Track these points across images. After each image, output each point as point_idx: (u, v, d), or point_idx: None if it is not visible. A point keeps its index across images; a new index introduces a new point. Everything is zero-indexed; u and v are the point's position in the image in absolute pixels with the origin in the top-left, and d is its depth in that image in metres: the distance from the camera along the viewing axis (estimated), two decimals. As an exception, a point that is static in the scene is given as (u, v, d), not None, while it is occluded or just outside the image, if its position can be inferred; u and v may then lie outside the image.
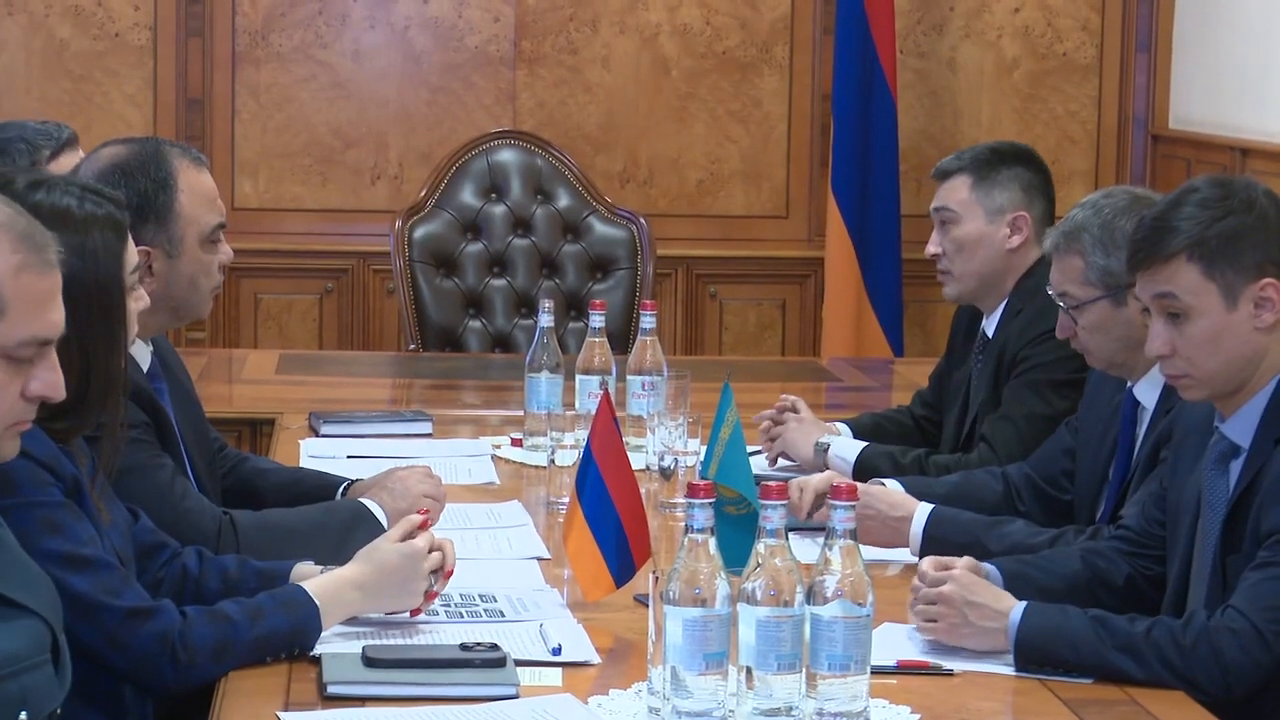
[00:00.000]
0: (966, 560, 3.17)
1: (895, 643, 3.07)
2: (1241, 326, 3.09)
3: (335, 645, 2.96)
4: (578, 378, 4.42)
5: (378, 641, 2.97)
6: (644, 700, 2.74)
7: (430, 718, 2.67)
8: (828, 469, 4.19)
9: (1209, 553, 3.13)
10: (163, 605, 2.89)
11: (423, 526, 3.17)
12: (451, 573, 3.16)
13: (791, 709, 2.64)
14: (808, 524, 3.65)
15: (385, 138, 7.29)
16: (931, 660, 3.01)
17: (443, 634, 3.06)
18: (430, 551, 3.11)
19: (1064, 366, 4.14)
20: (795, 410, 4.34)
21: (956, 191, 4.35)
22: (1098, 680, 2.94)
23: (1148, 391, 3.61)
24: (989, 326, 4.37)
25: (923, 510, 3.63)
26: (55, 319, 2.39)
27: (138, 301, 3.01)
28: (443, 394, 5.33)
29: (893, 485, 3.84)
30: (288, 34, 7.23)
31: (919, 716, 2.77)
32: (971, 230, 4.33)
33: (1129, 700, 2.89)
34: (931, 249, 4.40)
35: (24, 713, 2.26)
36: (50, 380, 2.38)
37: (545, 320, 4.48)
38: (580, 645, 3.02)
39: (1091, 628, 2.97)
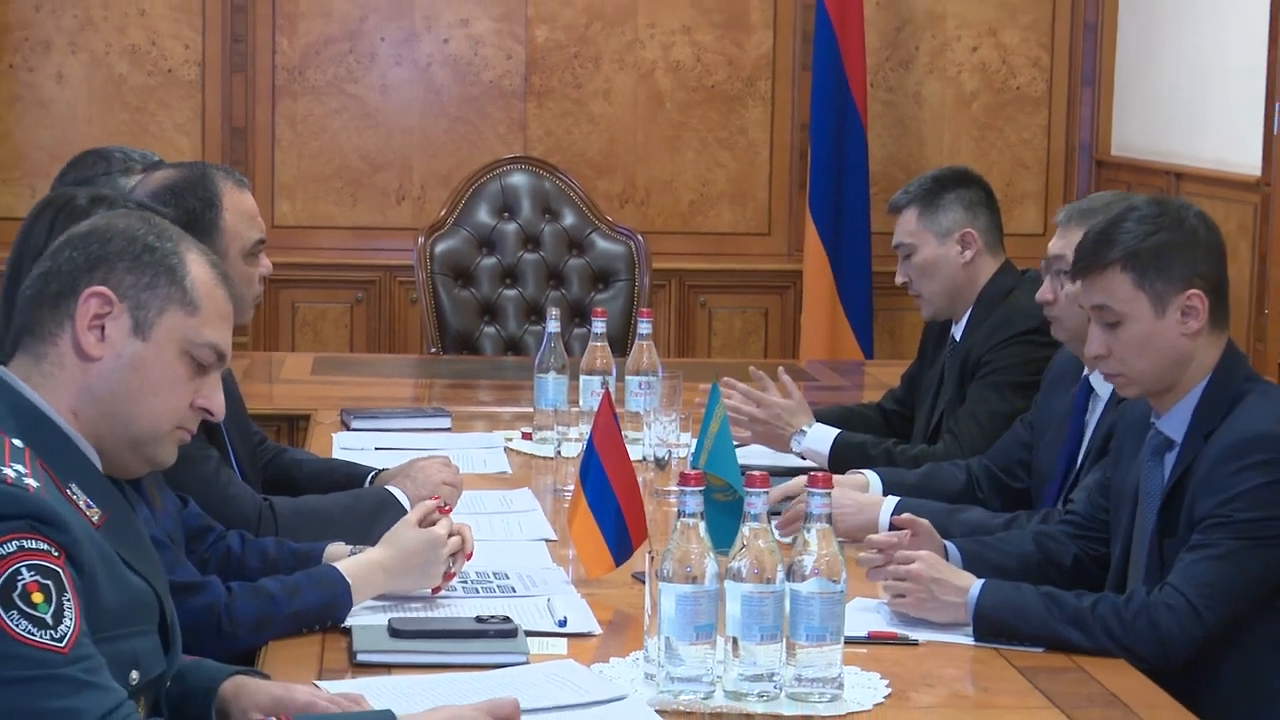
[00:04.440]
0: (925, 524, 3.22)
1: (866, 616, 3.07)
2: (1170, 332, 3.09)
3: (364, 618, 2.96)
4: (581, 378, 4.42)
5: (402, 614, 2.97)
6: (641, 667, 2.73)
7: (449, 683, 2.67)
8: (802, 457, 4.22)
9: (1147, 536, 3.13)
10: (210, 581, 2.89)
11: (442, 513, 3.17)
12: (471, 555, 3.16)
13: (773, 675, 2.64)
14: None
15: (409, 163, 7.29)
16: (899, 631, 3.01)
17: (460, 608, 3.05)
18: (450, 536, 3.11)
19: (1023, 370, 4.16)
20: (766, 389, 4.30)
21: (907, 224, 4.36)
22: (1048, 650, 2.95)
23: (1103, 379, 3.61)
24: (957, 332, 4.37)
25: (889, 502, 3.63)
26: (230, 344, 2.42)
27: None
28: (460, 392, 5.32)
29: (871, 476, 3.85)
30: (322, 70, 7.23)
31: (887, 682, 2.77)
32: (928, 255, 4.34)
33: (1076, 668, 2.89)
34: (900, 279, 4.42)
35: (135, 671, 2.28)
36: (218, 400, 2.41)
37: (552, 326, 4.48)
38: (584, 618, 3.02)
39: (1043, 602, 2.97)
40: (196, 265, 2.38)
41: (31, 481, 2.16)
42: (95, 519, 2.26)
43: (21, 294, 2.37)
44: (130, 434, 2.35)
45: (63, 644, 2.09)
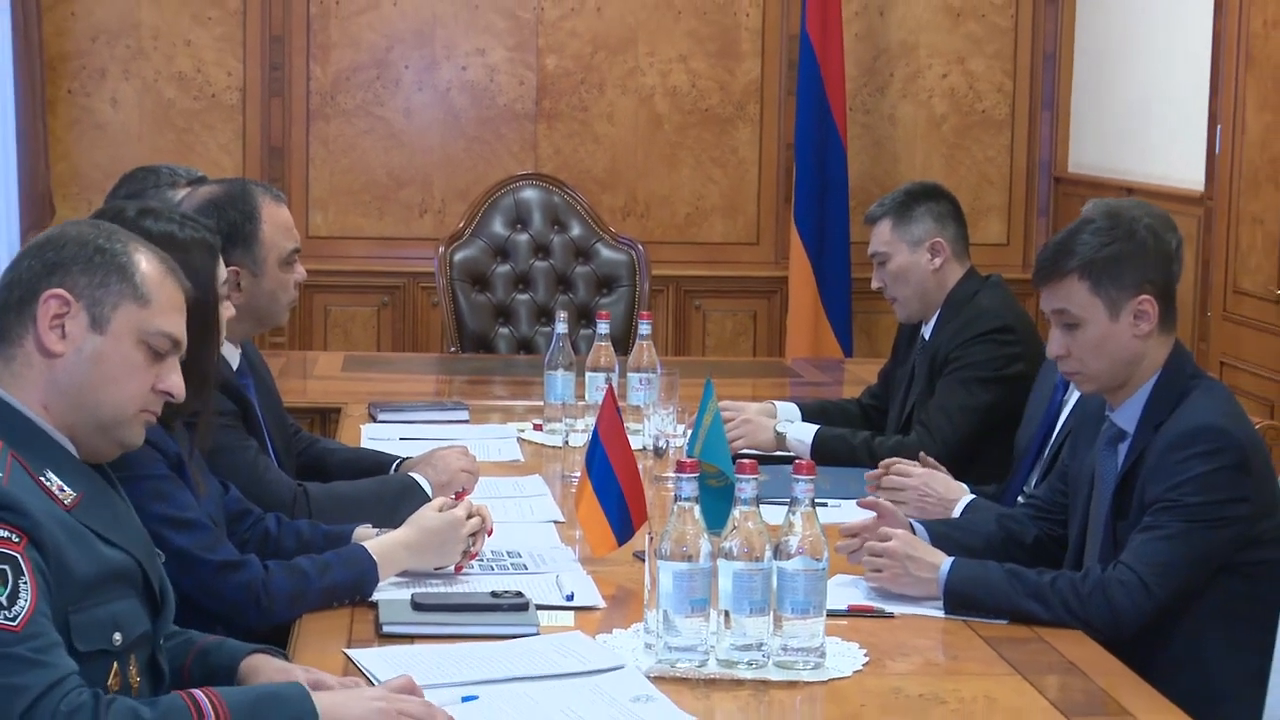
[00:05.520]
0: (889, 506, 3.22)
1: (846, 591, 3.06)
2: (1123, 334, 3.09)
3: (389, 593, 2.95)
4: (587, 375, 4.41)
5: (424, 590, 2.96)
6: (641, 638, 2.72)
7: (467, 652, 2.66)
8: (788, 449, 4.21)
9: (1102, 518, 3.12)
10: (249, 560, 2.88)
11: (459, 498, 3.16)
12: (492, 531, 3.15)
13: (762, 645, 2.63)
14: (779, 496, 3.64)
15: (431, 179, 7.28)
16: (876, 605, 3.00)
17: (477, 584, 3.05)
18: (470, 518, 3.10)
19: (988, 366, 4.16)
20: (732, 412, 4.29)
21: (882, 234, 4.34)
22: (1012, 621, 2.94)
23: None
24: (926, 332, 4.37)
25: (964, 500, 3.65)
26: (183, 328, 2.40)
27: (226, 311, 3.00)
28: (477, 388, 5.31)
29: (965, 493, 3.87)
30: (351, 95, 7.22)
31: (865, 651, 2.76)
32: (901, 262, 4.32)
33: (1037, 638, 2.88)
34: (876, 284, 4.40)
35: (118, 634, 2.26)
36: (176, 381, 2.39)
37: (561, 328, 4.47)
38: (589, 593, 3.01)
39: (1007, 578, 2.96)
40: (146, 262, 2.36)
41: None
42: (69, 501, 2.25)
43: None
44: (98, 420, 2.33)
45: (14, 623, 2.08)
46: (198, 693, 2.19)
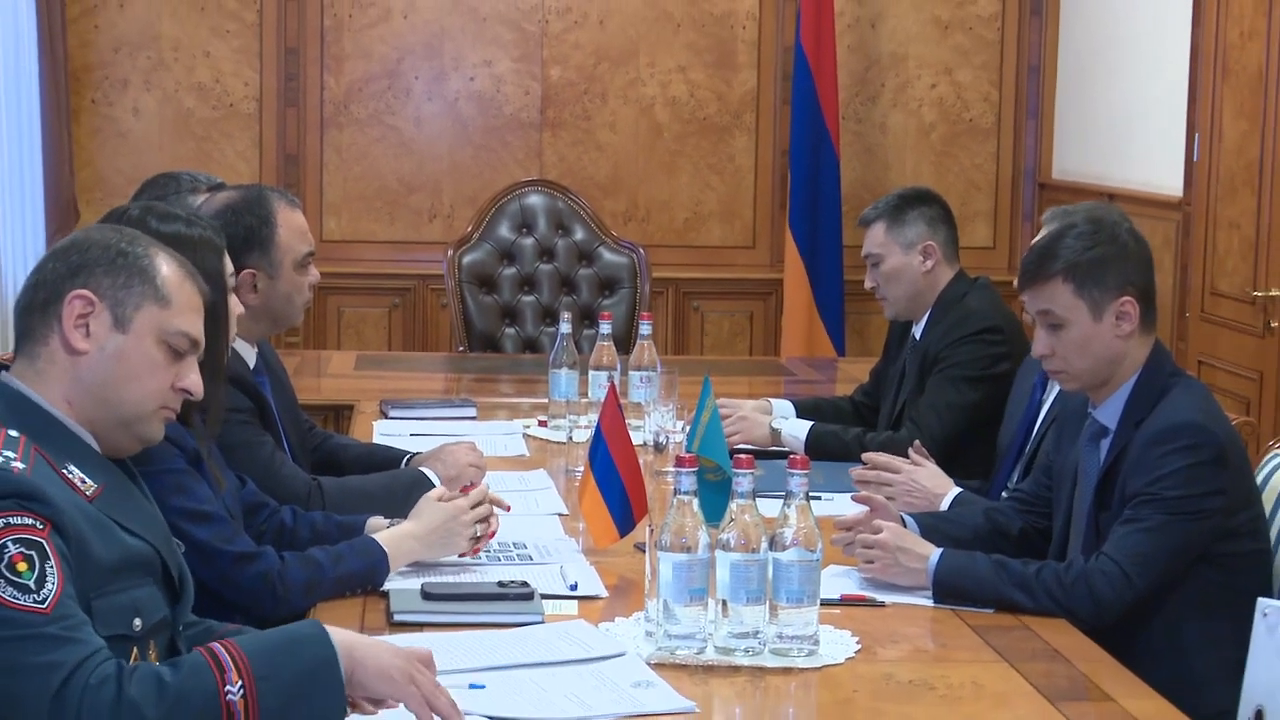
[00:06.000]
0: (881, 500, 3.22)
1: (839, 580, 3.06)
2: (1105, 334, 3.09)
3: (400, 582, 2.95)
4: (590, 373, 4.41)
5: (434, 579, 2.96)
6: (642, 626, 2.72)
7: (475, 640, 2.66)
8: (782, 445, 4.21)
9: (1085, 511, 3.12)
10: (265, 551, 2.88)
11: (465, 491, 3.16)
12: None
13: (758, 633, 2.63)
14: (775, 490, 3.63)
15: (440, 185, 7.28)
16: (868, 594, 3.00)
17: (484, 574, 3.05)
18: (477, 506, 3.10)
19: (976, 365, 4.16)
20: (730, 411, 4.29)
21: (876, 236, 4.33)
22: (998, 610, 2.93)
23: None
24: (917, 331, 4.36)
25: (951, 493, 3.61)
26: (201, 329, 2.40)
27: (235, 306, 2.99)
28: (485, 385, 5.31)
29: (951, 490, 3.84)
30: (364, 104, 7.22)
31: (858, 639, 2.76)
32: (894, 264, 4.31)
33: (1023, 626, 2.88)
34: (869, 284, 4.40)
35: (137, 619, 2.26)
36: (195, 380, 2.39)
37: (565, 328, 4.46)
38: (592, 583, 3.01)
39: (993, 569, 2.96)
40: (166, 265, 2.36)
41: (19, 464, 2.15)
42: (90, 492, 2.25)
43: (16, 305, 2.36)
44: (119, 416, 2.33)
45: (44, 605, 2.08)
46: (216, 646, 2.17)
